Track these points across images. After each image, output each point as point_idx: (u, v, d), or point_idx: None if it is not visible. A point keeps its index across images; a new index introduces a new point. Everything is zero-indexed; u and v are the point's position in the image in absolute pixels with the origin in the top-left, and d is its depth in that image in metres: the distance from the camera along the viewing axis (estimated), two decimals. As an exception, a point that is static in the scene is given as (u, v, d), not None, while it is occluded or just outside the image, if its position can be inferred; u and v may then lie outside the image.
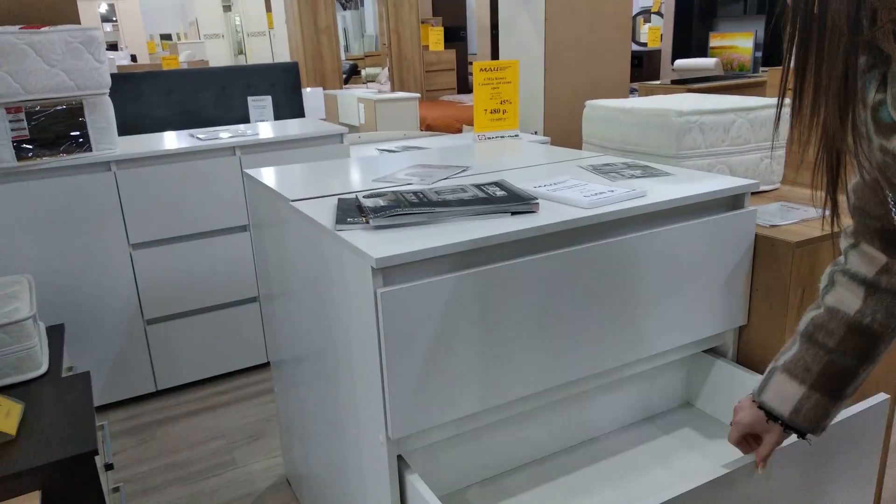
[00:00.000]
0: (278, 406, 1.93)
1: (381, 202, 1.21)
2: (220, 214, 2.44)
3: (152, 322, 2.42)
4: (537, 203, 1.17)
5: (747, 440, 1.04)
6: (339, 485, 1.43)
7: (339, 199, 1.32)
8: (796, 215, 1.48)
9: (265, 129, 2.72)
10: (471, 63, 9.90)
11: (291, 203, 1.36)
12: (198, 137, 2.51)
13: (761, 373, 1.04)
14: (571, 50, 3.50)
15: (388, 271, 1.01)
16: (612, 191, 1.26)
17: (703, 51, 7.14)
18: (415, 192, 1.28)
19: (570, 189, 1.29)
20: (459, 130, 6.35)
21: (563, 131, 3.56)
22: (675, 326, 1.32)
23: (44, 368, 1.70)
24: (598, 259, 1.17)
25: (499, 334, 1.10)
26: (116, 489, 1.72)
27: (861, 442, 1.20)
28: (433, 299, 1.03)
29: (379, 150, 2.89)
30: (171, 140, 2.51)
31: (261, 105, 6.65)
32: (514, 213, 1.17)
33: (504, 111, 3.00)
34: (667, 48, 7.84)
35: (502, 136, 3.00)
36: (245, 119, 6.56)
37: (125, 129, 5.61)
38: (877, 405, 1.19)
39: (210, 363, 2.55)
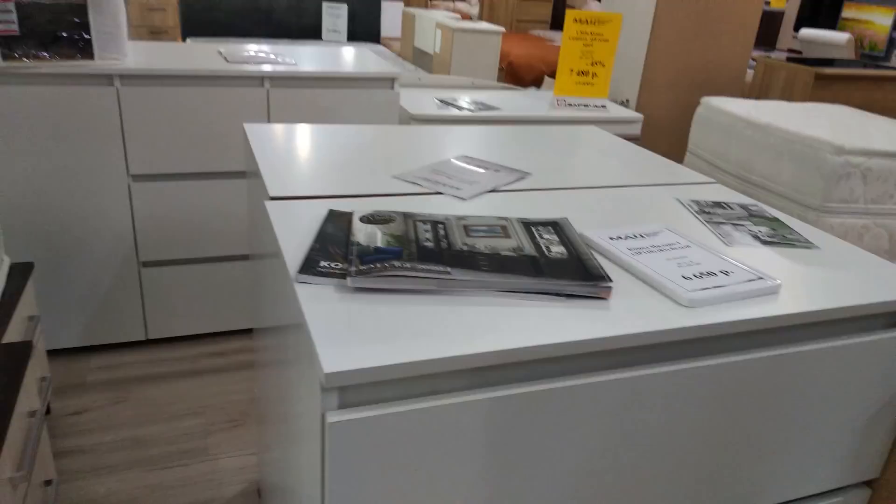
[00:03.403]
0: (256, 388, 1.62)
1: (377, 238, 0.82)
2: (237, 154, 2.08)
3: (148, 265, 2.13)
4: (610, 288, 0.76)
5: None
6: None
7: (329, 213, 0.93)
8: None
9: (307, 57, 2.32)
10: (569, -3, 9.11)
11: (269, 202, 0.98)
12: (224, 57, 2.13)
13: None
14: (687, 7, 2.93)
15: (350, 388, 0.64)
16: (728, 273, 0.83)
17: (832, 20, 6.26)
18: (433, 227, 0.88)
19: (661, 255, 0.87)
20: (541, 76, 5.80)
21: (660, 109, 3.03)
22: (786, 478, 0.91)
23: (-21, 329, 1.41)
24: (686, 385, 0.76)
25: (526, 488, 0.72)
26: (49, 482, 1.46)
27: None
28: (420, 434, 0.65)
29: (438, 100, 2.46)
30: (194, 55, 2.14)
31: (335, 13, 6.22)
32: (568, 296, 0.76)
33: (594, 74, 2.51)
34: (791, 11, 6.92)
35: (586, 105, 2.52)
36: (317, 28, 6.15)
37: (189, 21, 5.29)
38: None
39: (208, 318, 2.26)
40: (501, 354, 0.64)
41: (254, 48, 2.33)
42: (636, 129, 2.50)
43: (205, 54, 2.18)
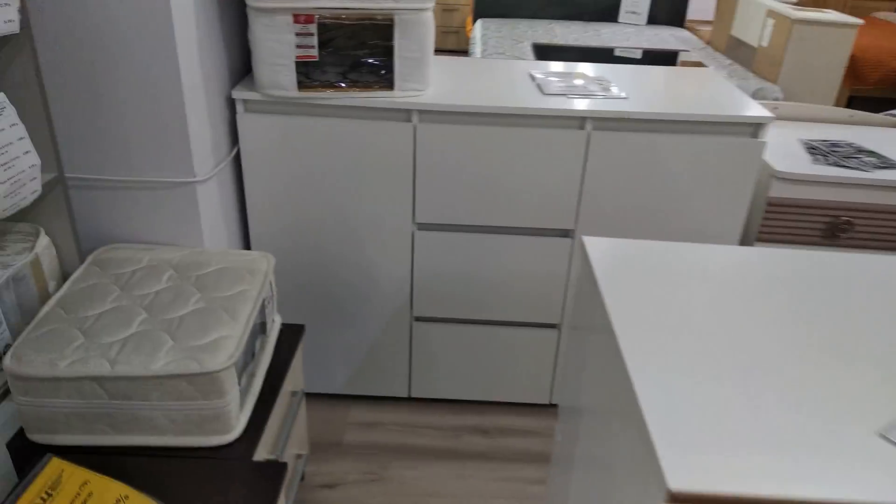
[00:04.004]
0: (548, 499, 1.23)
1: None
2: (539, 207, 1.67)
3: (421, 320, 1.84)
4: None
5: None
6: None
7: None
8: None
9: (631, 79, 1.81)
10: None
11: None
12: (538, 85, 1.71)
13: None
14: None
15: None
16: None
17: None
18: None
19: None
20: (892, 74, 4.58)
21: None
22: None
23: (234, 434, 1.19)
24: None
25: None
26: None
27: None
28: None
29: (805, 143, 1.80)
30: (501, 79, 1.75)
31: (638, -8, 5.57)
32: None
33: None
34: None
35: None
36: (614, 8, 5.56)
37: (482, 1, 5.05)
38: None
39: (477, 385, 1.93)
40: None
41: (576, 73, 1.89)
42: None
43: (514, 78, 1.79)
